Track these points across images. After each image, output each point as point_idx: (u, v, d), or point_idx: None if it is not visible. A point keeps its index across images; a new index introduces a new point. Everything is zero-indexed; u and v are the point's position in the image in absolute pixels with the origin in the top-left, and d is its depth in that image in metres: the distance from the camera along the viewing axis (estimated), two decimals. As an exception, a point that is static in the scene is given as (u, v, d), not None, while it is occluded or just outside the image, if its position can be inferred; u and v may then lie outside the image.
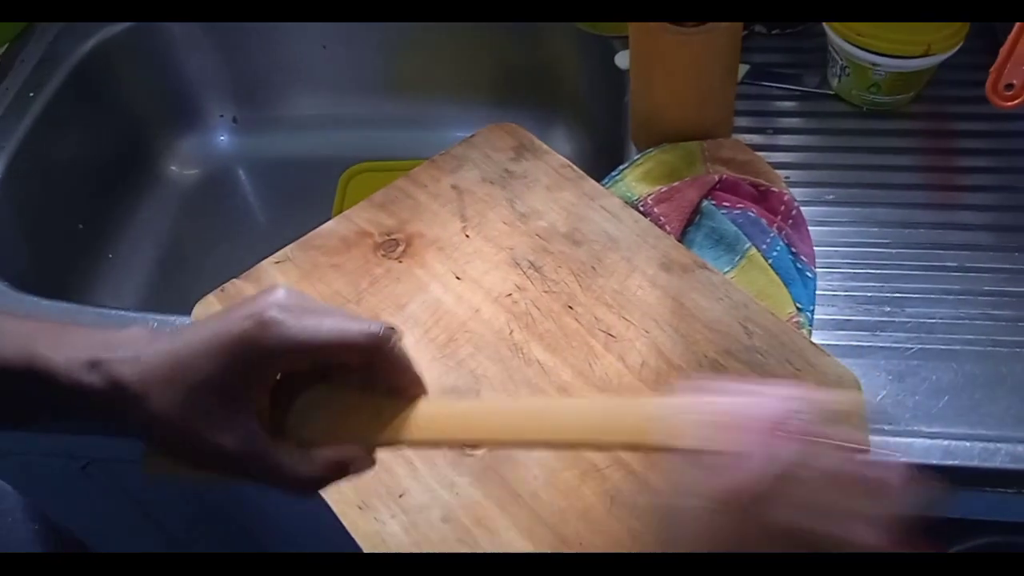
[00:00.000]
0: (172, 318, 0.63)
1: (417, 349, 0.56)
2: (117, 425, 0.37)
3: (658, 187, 0.67)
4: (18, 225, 0.80)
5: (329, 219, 0.66)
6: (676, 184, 0.67)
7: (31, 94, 0.85)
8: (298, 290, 0.39)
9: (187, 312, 0.60)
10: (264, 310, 0.36)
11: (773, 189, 0.67)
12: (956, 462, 0.52)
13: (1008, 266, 0.63)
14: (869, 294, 0.61)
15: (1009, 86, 0.63)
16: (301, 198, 0.97)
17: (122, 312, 0.66)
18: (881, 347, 0.58)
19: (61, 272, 0.83)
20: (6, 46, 0.90)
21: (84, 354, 0.36)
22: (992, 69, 0.63)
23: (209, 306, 0.60)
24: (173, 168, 0.99)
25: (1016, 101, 0.63)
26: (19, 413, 0.39)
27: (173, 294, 0.88)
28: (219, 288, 0.61)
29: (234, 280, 0.61)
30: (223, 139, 1.01)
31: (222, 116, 1.01)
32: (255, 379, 0.37)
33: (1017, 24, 0.60)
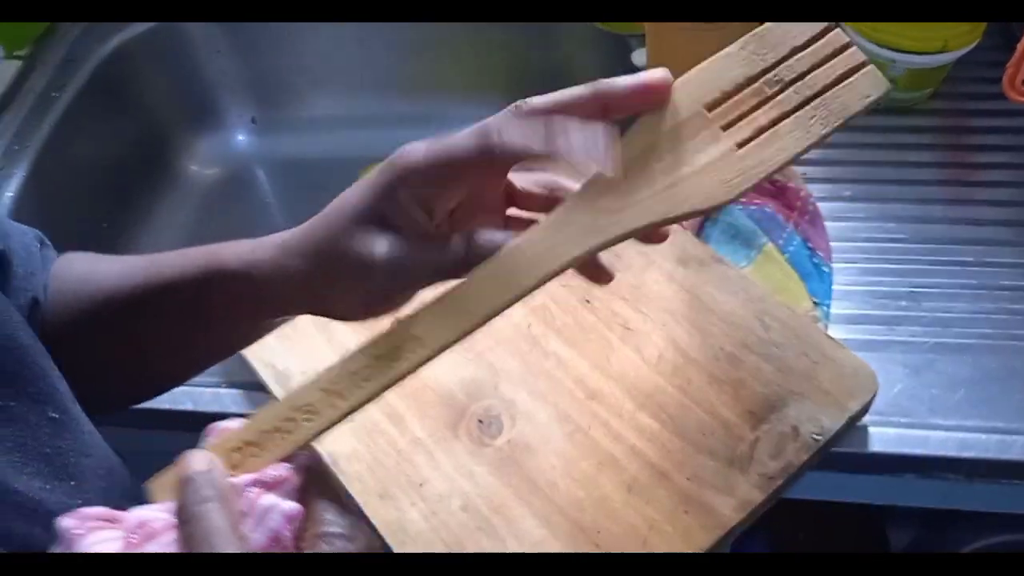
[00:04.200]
0: (194, 312, 0.64)
1: (436, 342, 0.57)
2: (285, 287, 0.39)
3: (674, 183, 0.67)
4: (42, 223, 0.80)
5: (348, 216, 0.66)
6: (692, 180, 0.67)
7: (54, 94, 0.87)
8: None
9: (209, 307, 0.61)
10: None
11: (790, 184, 0.67)
12: (972, 454, 0.53)
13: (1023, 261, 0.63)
14: (886, 289, 0.62)
15: (1026, 81, 0.63)
16: (319, 197, 0.96)
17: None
18: (897, 341, 0.59)
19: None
20: (29, 47, 0.91)
21: (247, 245, 0.41)
22: (1009, 65, 0.63)
23: (231, 300, 0.60)
24: (193, 167, 1.00)
25: (1033, 96, 0.63)
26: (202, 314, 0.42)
27: (194, 291, 0.89)
28: (241, 282, 0.62)
29: (255, 275, 0.62)
30: (242, 139, 1.02)
31: (241, 116, 1.02)
32: (402, 195, 0.36)
33: (1034, 19, 0.60)
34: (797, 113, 0.35)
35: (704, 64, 0.37)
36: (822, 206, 0.67)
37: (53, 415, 0.35)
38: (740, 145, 0.35)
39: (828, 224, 0.66)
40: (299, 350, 0.58)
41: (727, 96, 0.36)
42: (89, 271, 0.48)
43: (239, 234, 0.94)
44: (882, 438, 0.53)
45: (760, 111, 0.35)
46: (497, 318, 0.58)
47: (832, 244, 0.65)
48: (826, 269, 0.63)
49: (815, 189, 0.69)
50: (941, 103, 0.75)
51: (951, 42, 0.70)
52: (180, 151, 1.00)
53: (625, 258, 0.61)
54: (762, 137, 0.35)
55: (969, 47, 0.71)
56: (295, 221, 0.97)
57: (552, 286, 0.59)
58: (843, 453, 0.53)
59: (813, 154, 0.72)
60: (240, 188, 1.00)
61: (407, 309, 0.37)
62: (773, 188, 0.67)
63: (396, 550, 0.48)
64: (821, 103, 0.36)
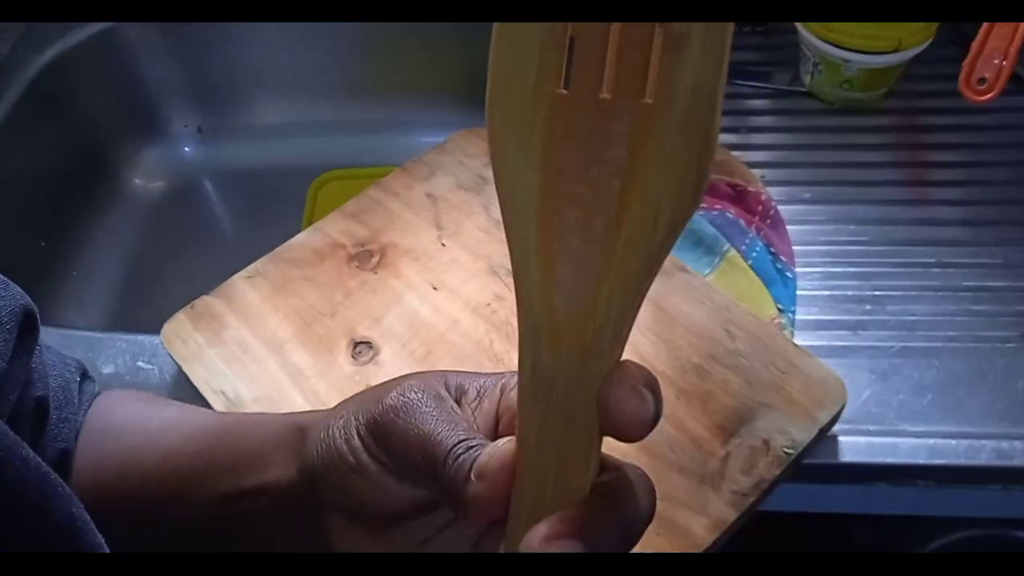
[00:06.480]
0: (141, 337, 0.62)
1: (395, 363, 0.55)
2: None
3: (634, 190, 0.66)
4: (-23, 243, 0.77)
5: (299, 229, 0.64)
6: (652, 186, 0.66)
7: (-11, 108, 0.83)
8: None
9: (156, 331, 0.59)
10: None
11: (750, 189, 0.66)
12: (942, 461, 0.52)
13: (985, 261, 0.63)
14: (849, 293, 0.61)
15: (982, 80, 0.63)
16: (270, 208, 0.95)
17: (89, 333, 0.64)
18: (863, 346, 0.58)
19: (23, 290, 0.80)
20: (-40, 59, 0.87)
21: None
22: (964, 63, 0.62)
23: (179, 324, 0.58)
24: (137, 181, 0.97)
25: (989, 95, 0.63)
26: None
27: (141, 311, 0.86)
28: (189, 305, 0.59)
29: (204, 296, 0.59)
30: (188, 149, 0.99)
31: (186, 126, 0.99)
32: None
33: (987, 18, 0.60)
34: None
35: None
36: (782, 209, 0.67)
37: None
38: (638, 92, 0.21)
39: (789, 228, 0.66)
40: (249, 374, 0.55)
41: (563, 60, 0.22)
42: (128, 421, 0.41)
43: (185, 249, 0.92)
44: (853, 447, 0.53)
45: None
46: (457, 335, 0.56)
47: (794, 248, 0.64)
48: (790, 275, 0.62)
49: (774, 192, 0.68)
50: (897, 102, 0.75)
51: (905, 41, 0.70)
52: (123, 164, 0.96)
53: (587, 269, 0.59)
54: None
55: (923, 46, 0.71)
56: (244, 234, 0.95)
57: (513, 300, 0.57)
58: (814, 464, 0.52)
59: (770, 157, 0.72)
60: (187, 201, 0.97)
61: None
62: (733, 193, 0.66)
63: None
64: None
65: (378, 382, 0.54)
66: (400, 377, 0.31)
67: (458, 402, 0.31)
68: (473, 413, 0.30)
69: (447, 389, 0.31)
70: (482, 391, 0.31)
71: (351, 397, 0.33)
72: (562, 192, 0.23)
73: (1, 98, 0.84)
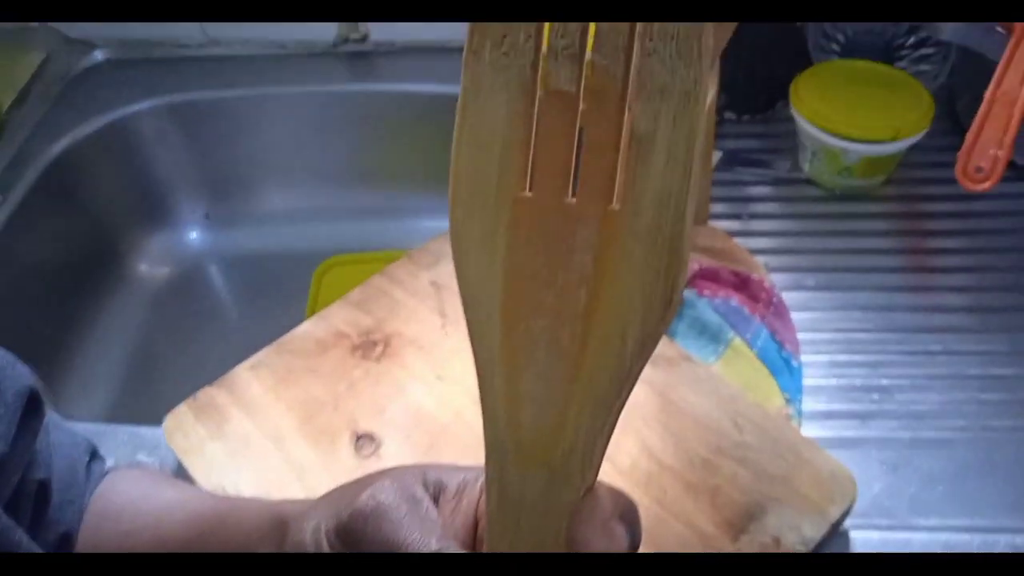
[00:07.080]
0: (143, 429, 0.61)
1: (397, 457, 0.55)
2: None
3: (638, 278, 0.66)
4: (-17, 331, 0.78)
5: (304, 314, 0.64)
6: (656, 274, 0.66)
7: (0, 198, 0.84)
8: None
9: (159, 420, 0.58)
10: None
11: (754, 276, 0.67)
12: (957, 557, 0.51)
13: (990, 348, 0.63)
14: (857, 382, 0.61)
15: (979, 169, 0.64)
16: (275, 294, 0.95)
17: (90, 425, 0.63)
18: (873, 437, 0.57)
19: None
20: (-26, 150, 0.89)
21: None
22: (960, 153, 0.63)
23: (181, 417, 0.57)
24: (143, 267, 0.98)
25: (986, 184, 0.63)
26: None
27: (146, 399, 0.85)
28: (191, 396, 0.59)
29: (207, 388, 0.59)
30: (194, 236, 1.00)
31: (194, 212, 1.00)
32: None
33: (981, 110, 0.61)
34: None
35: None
36: (785, 296, 0.67)
37: None
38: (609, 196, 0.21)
39: (793, 315, 0.66)
40: (252, 469, 0.55)
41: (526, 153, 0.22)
42: (127, 503, 0.42)
43: (190, 336, 0.92)
44: (865, 543, 0.52)
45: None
46: (460, 427, 0.56)
47: (799, 336, 0.64)
48: (795, 363, 0.62)
49: (777, 279, 0.68)
50: (896, 189, 0.76)
51: (902, 130, 0.71)
52: (129, 250, 0.97)
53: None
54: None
55: (920, 135, 0.72)
56: (249, 319, 0.96)
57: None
58: (826, 560, 0.51)
59: (772, 244, 0.73)
60: (193, 287, 0.97)
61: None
62: (736, 280, 0.67)
63: None
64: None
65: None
66: (376, 474, 0.30)
67: (436, 499, 0.30)
68: (451, 512, 0.29)
69: (425, 486, 0.30)
70: (462, 488, 0.30)
71: (328, 493, 0.33)
72: (526, 300, 0.22)
73: (13, 188, 0.85)
